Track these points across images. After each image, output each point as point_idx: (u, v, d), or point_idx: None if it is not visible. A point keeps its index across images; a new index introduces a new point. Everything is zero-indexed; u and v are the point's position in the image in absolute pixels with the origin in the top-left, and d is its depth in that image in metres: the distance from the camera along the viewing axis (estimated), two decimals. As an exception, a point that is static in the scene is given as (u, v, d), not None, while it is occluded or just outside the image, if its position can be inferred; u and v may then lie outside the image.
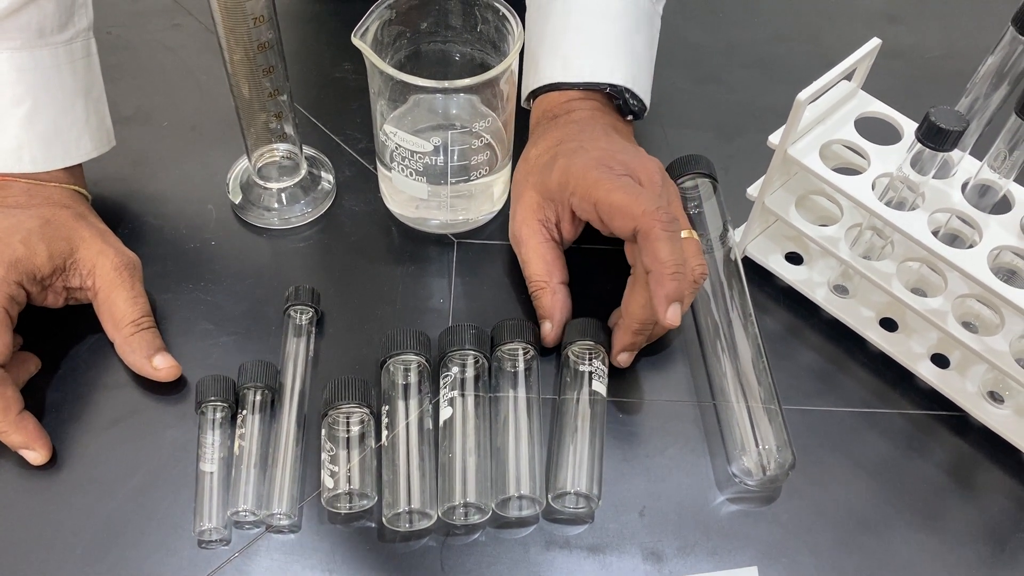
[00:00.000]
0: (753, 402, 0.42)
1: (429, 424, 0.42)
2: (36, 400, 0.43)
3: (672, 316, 0.40)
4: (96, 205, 0.48)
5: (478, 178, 0.47)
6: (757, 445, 0.41)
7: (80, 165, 0.48)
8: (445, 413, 0.42)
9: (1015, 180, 0.42)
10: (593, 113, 0.49)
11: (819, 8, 0.65)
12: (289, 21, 0.59)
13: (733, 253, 0.47)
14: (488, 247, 0.50)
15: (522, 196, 0.47)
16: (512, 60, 0.44)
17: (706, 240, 0.48)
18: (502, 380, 0.43)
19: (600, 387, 0.43)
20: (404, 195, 0.49)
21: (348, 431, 0.41)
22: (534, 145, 0.49)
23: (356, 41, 0.43)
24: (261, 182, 0.50)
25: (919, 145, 0.40)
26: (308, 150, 0.52)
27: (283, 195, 0.50)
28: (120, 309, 0.44)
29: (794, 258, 0.50)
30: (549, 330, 0.46)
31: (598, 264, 0.50)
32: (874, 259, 0.45)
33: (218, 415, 0.42)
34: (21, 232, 0.43)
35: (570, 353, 0.44)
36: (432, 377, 0.44)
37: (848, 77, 0.45)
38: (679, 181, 0.49)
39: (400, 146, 0.46)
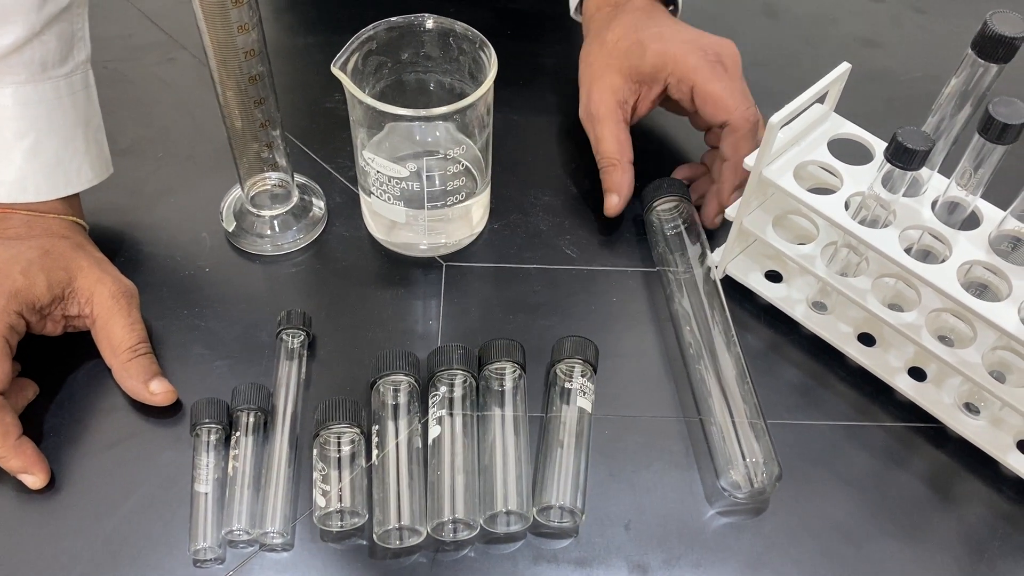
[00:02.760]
0: (739, 418, 0.43)
1: (418, 443, 0.43)
2: (34, 425, 0.44)
3: (729, 201, 0.50)
4: (93, 235, 0.50)
5: (456, 203, 0.49)
6: (744, 459, 0.42)
7: (78, 196, 0.49)
8: (434, 432, 0.43)
9: (982, 196, 0.44)
10: (651, 2, 0.55)
11: (797, 33, 0.66)
12: (281, 53, 0.61)
13: (712, 274, 0.48)
14: (475, 269, 0.52)
15: (602, 77, 0.52)
16: (487, 88, 0.45)
17: (685, 261, 0.49)
18: (489, 398, 0.44)
19: (586, 404, 0.44)
20: (384, 219, 0.50)
21: (339, 451, 0.42)
22: (608, 30, 0.53)
23: (335, 71, 0.45)
24: (254, 210, 0.52)
25: (888, 165, 0.41)
26: (300, 178, 0.54)
27: (275, 222, 0.52)
28: (117, 336, 0.45)
29: (773, 276, 0.51)
30: (616, 203, 0.52)
31: (588, 282, 0.51)
32: (851, 275, 0.47)
33: (212, 437, 0.43)
34: (21, 263, 0.44)
35: (557, 370, 0.45)
36: (421, 397, 0.45)
37: (821, 100, 0.47)
38: (656, 204, 0.51)
39: (379, 172, 0.47)
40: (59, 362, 0.46)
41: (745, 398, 0.44)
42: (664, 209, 0.52)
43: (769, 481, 0.42)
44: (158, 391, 0.44)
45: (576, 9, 0.58)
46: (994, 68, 0.39)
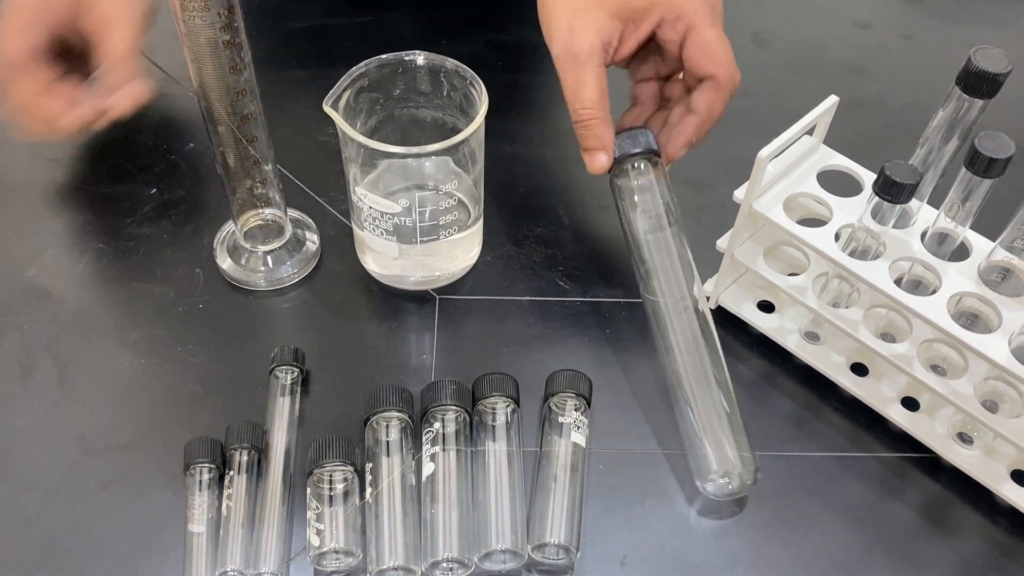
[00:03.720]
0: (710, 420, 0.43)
1: (412, 480, 0.43)
2: (25, 463, 0.44)
3: (680, 154, 0.47)
4: (87, 270, 0.50)
5: (448, 236, 0.49)
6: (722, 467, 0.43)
7: None
8: (428, 469, 0.43)
9: (971, 227, 0.44)
10: None
11: (785, 62, 0.67)
12: (272, 87, 0.61)
13: (701, 305, 0.48)
14: (469, 302, 0.52)
15: (586, 11, 0.46)
16: (478, 123, 0.46)
17: (679, 292, 0.49)
18: (483, 434, 0.44)
19: (580, 438, 0.44)
20: (377, 253, 0.50)
21: (333, 489, 0.42)
22: None
23: (328, 109, 0.45)
24: (247, 245, 0.52)
25: (877, 198, 0.41)
26: (293, 212, 0.54)
27: (269, 257, 0.52)
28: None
29: (766, 306, 0.51)
30: (604, 161, 0.46)
31: (581, 314, 0.51)
32: (842, 306, 0.47)
33: (206, 476, 0.43)
34: None
35: (551, 404, 0.46)
36: (415, 433, 0.45)
37: (810, 132, 0.47)
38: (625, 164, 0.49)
39: (371, 208, 0.47)
40: (51, 398, 0.46)
41: (730, 405, 0.44)
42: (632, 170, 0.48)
43: (749, 480, 0.43)
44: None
45: None
46: (979, 103, 0.40)
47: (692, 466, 0.44)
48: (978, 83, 0.39)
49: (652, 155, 0.47)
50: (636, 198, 0.47)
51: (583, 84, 0.46)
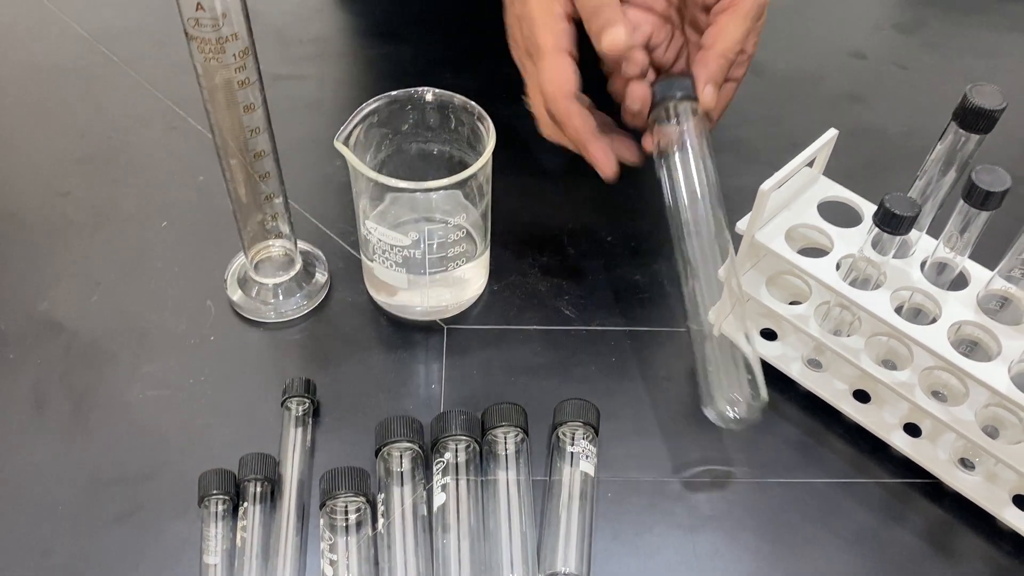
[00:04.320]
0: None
1: (424, 510, 0.43)
2: (40, 496, 0.45)
3: (708, 96, 0.46)
4: (99, 302, 0.51)
5: (456, 267, 0.50)
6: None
7: None
8: (439, 499, 0.43)
9: (970, 257, 0.45)
10: None
11: (784, 92, 0.68)
12: (284, 120, 0.62)
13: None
14: (476, 331, 0.53)
15: None
16: (486, 159, 0.47)
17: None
18: (493, 463, 0.45)
19: (588, 467, 0.45)
20: (385, 284, 0.51)
21: (346, 520, 0.43)
22: None
23: (339, 146, 0.46)
24: (258, 278, 0.53)
25: (877, 229, 0.42)
26: (303, 244, 0.55)
27: (279, 290, 0.52)
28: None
29: (768, 334, 0.52)
30: (622, 33, 0.45)
31: (588, 342, 0.52)
32: (844, 333, 0.48)
33: (220, 508, 0.43)
34: None
35: (559, 433, 0.46)
36: (425, 463, 0.45)
37: (810, 163, 0.48)
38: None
39: (380, 240, 0.48)
40: (65, 431, 0.47)
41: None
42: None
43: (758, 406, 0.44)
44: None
45: None
46: (975, 138, 0.41)
47: (702, 393, 0.45)
48: (974, 119, 0.40)
49: (692, 100, 0.47)
50: (675, 140, 0.47)
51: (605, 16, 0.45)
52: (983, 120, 0.40)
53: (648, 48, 0.50)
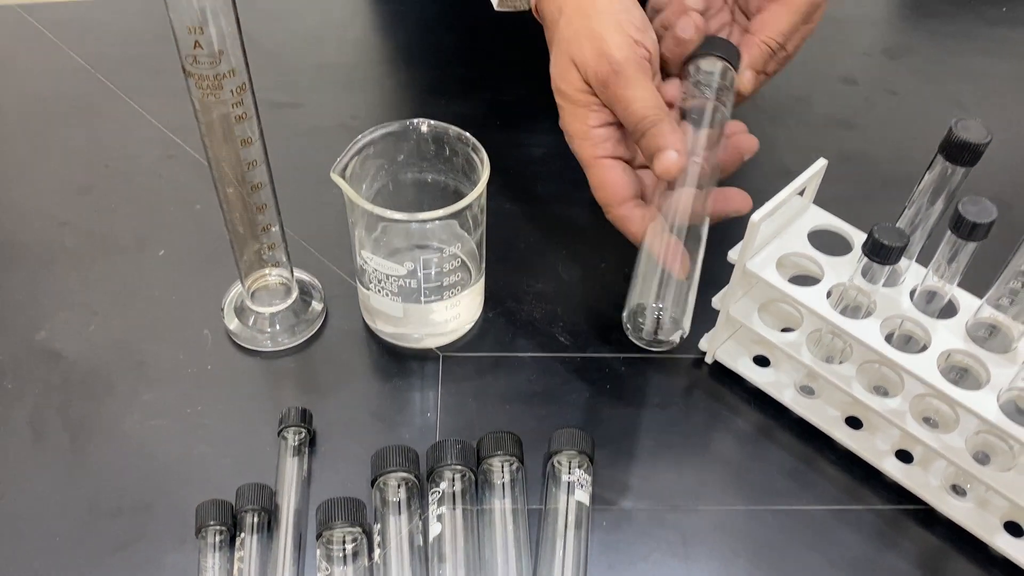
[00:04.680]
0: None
1: (420, 540, 0.44)
2: (38, 527, 0.45)
3: (749, 79, 0.47)
4: (96, 331, 0.51)
5: (452, 296, 0.50)
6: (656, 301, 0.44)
7: None
8: (435, 529, 0.44)
9: (959, 285, 0.45)
10: None
11: (774, 119, 0.69)
12: (280, 147, 0.63)
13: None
14: (471, 359, 0.53)
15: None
16: (481, 190, 0.47)
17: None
18: (489, 492, 0.45)
19: (584, 496, 0.45)
20: (381, 312, 0.52)
21: (343, 550, 0.43)
22: None
23: (335, 177, 0.47)
24: (254, 307, 0.53)
25: (866, 259, 0.43)
26: (299, 273, 0.55)
27: (276, 319, 0.53)
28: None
29: (761, 360, 0.53)
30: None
31: (582, 369, 0.52)
32: (836, 360, 0.48)
33: (217, 538, 0.44)
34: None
35: (554, 462, 0.47)
36: (421, 492, 0.45)
37: (801, 192, 0.49)
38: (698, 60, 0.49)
39: (376, 269, 0.49)
40: (62, 462, 0.47)
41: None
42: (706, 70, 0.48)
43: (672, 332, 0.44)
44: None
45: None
46: (962, 170, 0.41)
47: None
48: (960, 152, 0.40)
49: (731, 65, 0.48)
50: (704, 84, 0.47)
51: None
52: (968, 153, 0.40)
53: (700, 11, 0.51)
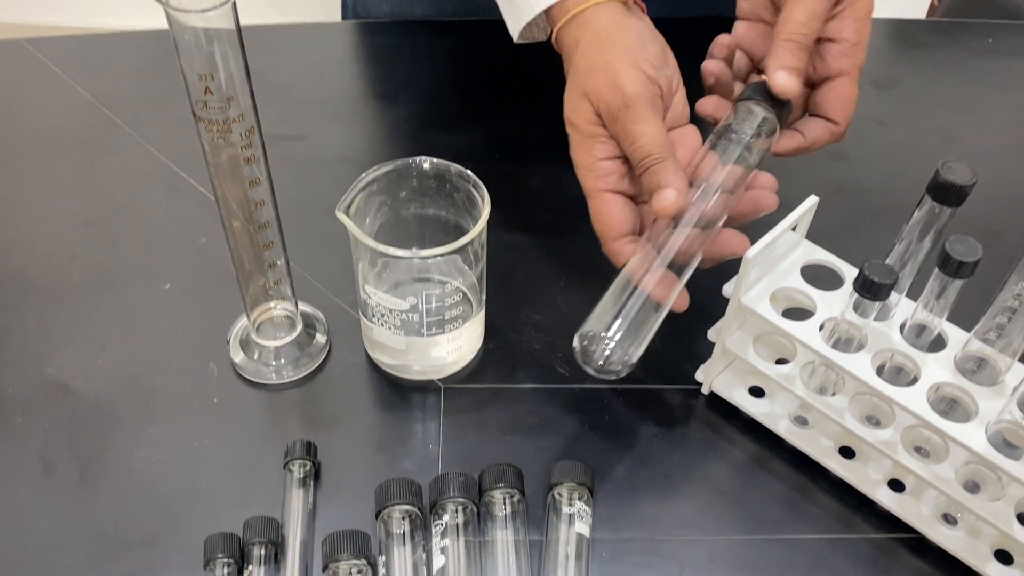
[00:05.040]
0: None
1: (424, 572, 0.45)
2: (48, 561, 0.45)
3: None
4: (104, 365, 0.52)
5: (453, 329, 0.51)
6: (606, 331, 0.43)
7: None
8: (438, 561, 0.44)
9: (948, 318, 0.47)
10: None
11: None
12: (286, 180, 0.64)
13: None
14: (472, 391, 0.54)
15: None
16: (482, 226, 0.48)
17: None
18: (491, 524, 0.46)
19: (584, 528, 0.46)
20: (384, 345, 0.53)
21: (348, 582, 0.44)
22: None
23: (340, 215, 0.48)
24: (260, 340, 0.54)
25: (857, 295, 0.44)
26: (303, 306, 0.56)
27: (280, 352, 0.54)
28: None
29: (757, 391, 0.54)
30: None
31: (581, 400, 0.53)
32: (829, 391, 0.49)
33: (225, 571, 0.44)
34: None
35: (555, 494, 0.48)
36: (424, 523, 0.46)
37: (793, 227, 0.50)
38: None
39: (379, 304, 0.50)
40: (72, 496, 0.48)
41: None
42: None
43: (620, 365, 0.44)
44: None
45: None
46: (949, 209, 0.43)
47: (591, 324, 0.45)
48: (946, 194, 0.42)
49: (777, 115, 0.49)
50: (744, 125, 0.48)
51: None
52: (954, 194, 0.42)
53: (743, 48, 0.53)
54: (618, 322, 0.44)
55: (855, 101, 0.51)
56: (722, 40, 0.52)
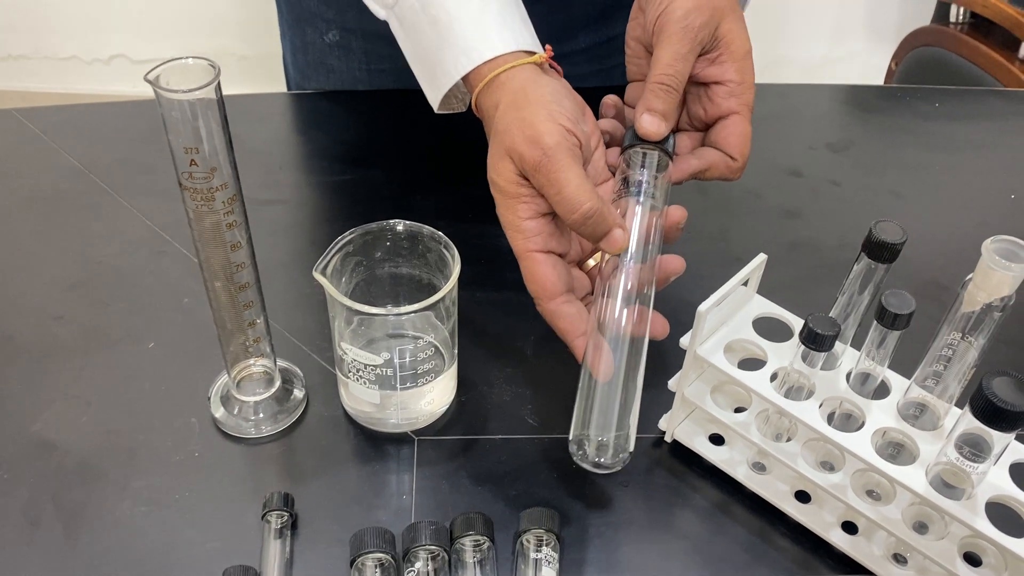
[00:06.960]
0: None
1: (397, 617, 0.46)
2: (34, 616, 0.47)
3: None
4: (89, 422, 0.54)
5: (426, 383, 0.54)
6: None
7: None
8: (411, 606, 0.46)
9: (891, 366, 0.50)
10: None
11: (725, 208, 0.74)
12: (265, 242, 0.67)
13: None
14: (444, 442, 0.56)
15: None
16: (452, 284, 0.51)
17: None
18: (462, 571, 0.48)
19: (551, 573, 0.48)
20: (359, 399, 0.55)
21: (323, 629, 0.45)
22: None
23: (317, 276, 0.50)
24: (239, 396, 0.56)
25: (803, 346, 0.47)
26: (282, 362, 0.58)
27: (259, 407, 0.56)
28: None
29: (717, 439, 0.56)
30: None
31: (550, 450, 0.55)
32: (784, 437, 0.52)
33: (204, 620, 0.46)
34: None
35: (523, 540, 0.49)
36: (397, 571, 0.48)
37: (745, 283, 0.53)
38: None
39: (355, 360, 0.52)
40: (56, 549, 0.49)
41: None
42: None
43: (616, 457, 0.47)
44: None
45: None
46: (883, 266, 0.46)
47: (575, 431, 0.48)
48: (879, 251, 0.45)
49: (667, 155, 0.52)
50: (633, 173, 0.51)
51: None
52: (887, 252, 0.45)
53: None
54: (605, 419, 0.47)
55: (749, 138, 0.54)
56: (608, 100, 0.56)
